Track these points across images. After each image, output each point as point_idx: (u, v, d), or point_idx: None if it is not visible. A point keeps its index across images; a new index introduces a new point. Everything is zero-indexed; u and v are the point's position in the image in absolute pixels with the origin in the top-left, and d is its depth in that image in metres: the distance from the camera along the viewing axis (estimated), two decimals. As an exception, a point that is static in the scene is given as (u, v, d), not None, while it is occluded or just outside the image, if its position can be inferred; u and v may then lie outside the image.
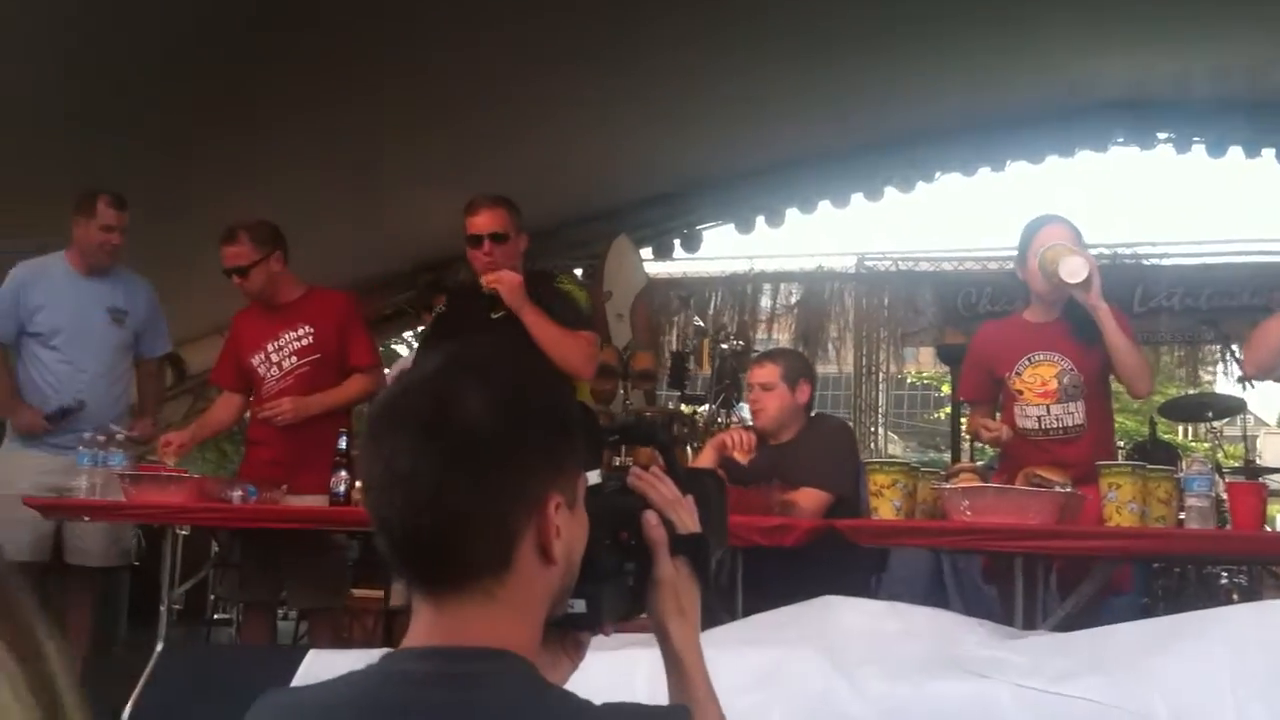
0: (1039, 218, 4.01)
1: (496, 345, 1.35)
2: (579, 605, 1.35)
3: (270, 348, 4.78)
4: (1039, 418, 3.97)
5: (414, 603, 1.28)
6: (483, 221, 4.44)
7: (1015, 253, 4.07)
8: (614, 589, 1.40)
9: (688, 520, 1.46)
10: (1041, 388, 3.95)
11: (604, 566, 1.39)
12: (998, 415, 4.15)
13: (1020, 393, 4.00)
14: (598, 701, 1.22)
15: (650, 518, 1.43)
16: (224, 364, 5.05)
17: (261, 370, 4.80)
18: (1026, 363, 3.98)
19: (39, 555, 4.75)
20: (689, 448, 7.38)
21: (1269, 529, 8.33)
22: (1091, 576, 3.43)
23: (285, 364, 4.76)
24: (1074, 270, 3.68)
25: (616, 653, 2.55)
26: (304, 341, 4.76)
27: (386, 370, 5.32)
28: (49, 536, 4.79)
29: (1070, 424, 3.93)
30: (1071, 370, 3.91)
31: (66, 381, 4.90)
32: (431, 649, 1.22)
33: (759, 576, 3.73)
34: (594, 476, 1.40)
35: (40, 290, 4.94)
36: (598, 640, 2.37)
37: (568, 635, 1.40)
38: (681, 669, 1.44)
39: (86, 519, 4.63)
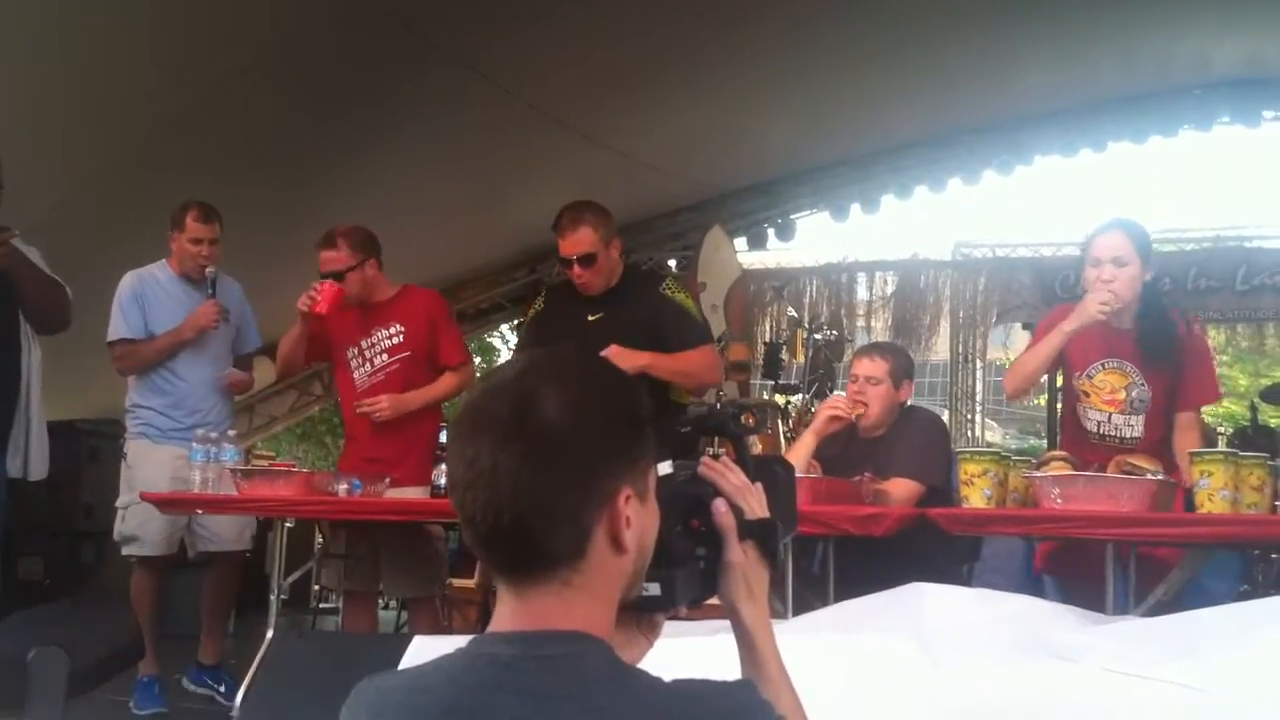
0: (1099, 224, 3.93)
1: (573, 350, 1.43)
2: (653, 588, 1.42)
3: (364, 344, 4.91)
4: (1099, 423, 3.95)
5: (498, 591, 1.36)
6: (569, 246, 4.49)
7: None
8: (686, 573, 1.47)
9: (756, 506, 1.53)
10: (1110, 395, 3.92)
11: (677, 552, 1.46)
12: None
13: (1086, 394, 3.97)
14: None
15: (719, 505, 1.50)
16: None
17: (354, 364, 4.93)
18: (1100, 368, 3.94)
19: (172, 549, 5.01)
20: (784, 438, 7.42)
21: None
22: (1181, 564, 3.42)
23: (377, 361, 4.89)
24: None
25: (709, 638, 2.62)
26: (395, 340, 4.89)
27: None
28: (181, 530, 5.03)
29: (1128, 435, 3.91)
30: (1141, 385, 3.88)
31: (189, 382, 5.10)
32: (515, 634, 1.31)
33: (851, 566, 3.76)
34: (665, 467, 1.47)
35: (153, 297, 5.13)
36: (692, 626, 2.44)
37: (643, 617, 1.48)
38: (753, 647, 1.51)
39: (199, 512, 4.81)
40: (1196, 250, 9.96)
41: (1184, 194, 46.99)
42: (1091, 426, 3.97)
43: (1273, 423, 10.63)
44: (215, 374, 5.20)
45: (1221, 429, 5.65)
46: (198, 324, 5.05)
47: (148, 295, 5.12)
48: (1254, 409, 7.96)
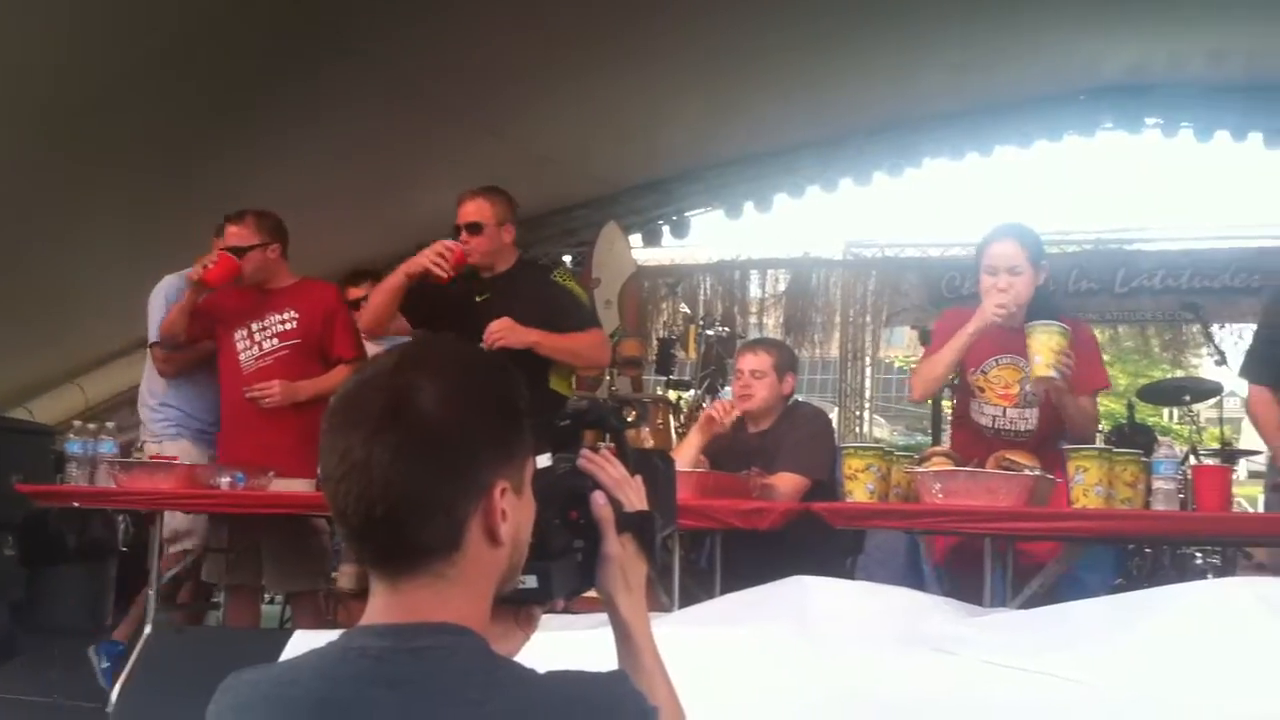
0: (993, 230, 4.04)
1: (451, 340, 1.41)
2: (530, 581, 1.41)
3: (254, 326, 4.86)
4: (994, 417, 4.04)
5: (371, 584, 1.34)
6: (460, 216, 4.54)
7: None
8: (564, 565, 1.47)
9: (635, 499, 1.53)
10: (1004, 390, 4.00)
11: (555, 544, 1.45)
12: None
13: (981, 390, 4.05)
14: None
15: (598, 497, 1.50)
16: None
17: (240, 346, 4.87)
18: (993, 364, 4.02)
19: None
20: (675, 433, 7.45)
21: (1247, 510, 8.37)
22: (1057, 558, 3.50)
23: (266, 345, 4.85)
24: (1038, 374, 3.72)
25: (591, 631, 2.61)
26: (287, 326, 4.84)
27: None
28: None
29: (1022, 428, 4.00)
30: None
31: (217, 386, 5.06)
32: (387, 626, 1.29)
33: (738, 560, 3.79)
34: (544, 460, 1.46)
35: None
36: (575, 619, 2.43)
37: (520, 609, 1.47)
38: (629, 638, 1.51)
39: (77, 504, 4.69)
40: (1078, 252, 10.19)
41: (1066, 197, 48.53)
42: (986, 422, 4.05)
43: (1150, 421, 10.94)
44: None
45: (1100, 427, 5.79)
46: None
47: None
48: (1131, 407, 8.17)
